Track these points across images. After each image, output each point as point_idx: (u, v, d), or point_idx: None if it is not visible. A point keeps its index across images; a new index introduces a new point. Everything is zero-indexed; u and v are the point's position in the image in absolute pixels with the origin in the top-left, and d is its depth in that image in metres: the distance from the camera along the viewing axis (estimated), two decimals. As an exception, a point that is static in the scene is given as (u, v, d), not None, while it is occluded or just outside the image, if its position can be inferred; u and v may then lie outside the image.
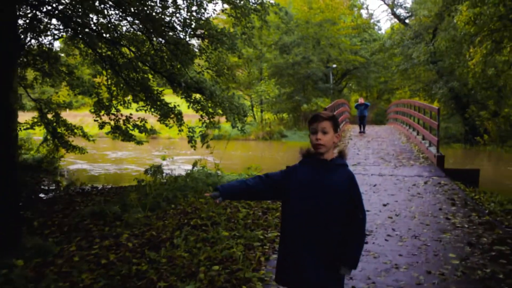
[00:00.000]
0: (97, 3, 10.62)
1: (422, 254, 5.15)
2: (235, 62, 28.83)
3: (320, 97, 38.21)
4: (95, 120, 12.84)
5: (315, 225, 2.57)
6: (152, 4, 11.17)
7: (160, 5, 11.18)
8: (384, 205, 7.62)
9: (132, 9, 10.77)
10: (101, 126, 12.90)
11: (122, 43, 11.99)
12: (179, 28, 11.37)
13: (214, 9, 30.46)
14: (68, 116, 28.89)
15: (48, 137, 14.05)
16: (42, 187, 13.08)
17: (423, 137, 14.67)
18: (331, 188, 2.61)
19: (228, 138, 25.82)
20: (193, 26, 11.29)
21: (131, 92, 12.59)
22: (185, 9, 11.34)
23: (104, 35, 11.73)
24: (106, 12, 11.30)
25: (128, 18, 11.69)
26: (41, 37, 11.91)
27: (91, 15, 11.30)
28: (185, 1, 11.36)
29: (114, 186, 12.75)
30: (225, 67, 12.53)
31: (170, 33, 11.34)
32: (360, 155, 13.61)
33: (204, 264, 4.88)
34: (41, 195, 12.04)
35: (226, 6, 11.46)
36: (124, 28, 12.26)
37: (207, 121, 12.23)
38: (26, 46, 12.24)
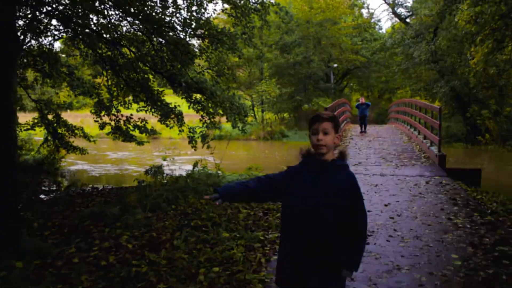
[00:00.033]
0: (97, 4, 10.58)
1: (424, 255, 5.11)
2: (236, 62, 28.78)
3: (321, 97, 38.14)
4: (95, 121, 12.80)
5: (316, 226, 2.53)
6: (152, 4, 11.15)
7: (160, 5, 11.15)
8: (386, 205, 7.58)
9: (132, 9, 10.74)
10: (102, 126, 12.87)
11: (122, 43, 11.96)
12: (179, 28, 11.34)
13: (215, 9, 30.43)
14: (69, 116, 28.88)
15: (49, 137, 14.01)
16: (43, 188, 13.05)
17: (424, 137, 14.61)
18: (331, 190, 2.57)
19: (229, 138, 25.79)
20: (193, 26, 11.24)
21: (131, 92, 12.55)
22: (185, 9, 11.31)
23: (104, 35, 11.70)
24: (106, 13, 11.26)
25: (128, 19, 11.66)
26: (41, 37, 11.87)
27: (91, 16, 11.28)
28: (185, 1, 11.33)
29: (115, 187, 12.72)
30: (225, 67, 12.50)
31: (170, 33, 11.31)
32: (361, 155, 13.57)
33: (204, 265, 4.85)
34: (42, 196, 12.02)
35: (226, 6, 11.43)
36: (124, 29, 12.24)
37: (208, 121, 12.19)
38: (26, 47, 12.22)
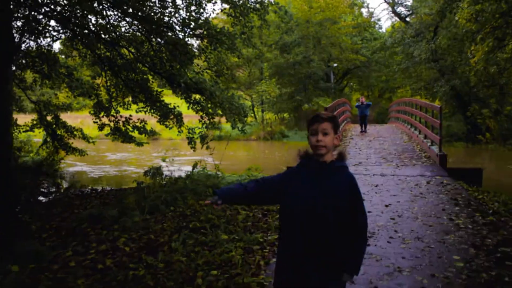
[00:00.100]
0: (95, 4, 10.53)
1: (425, 256, 5.04)
2: (236, 62, 28.70)
3: (321, 96, 38.08)
4: (94, 122, 12.77)
5: (316, 226, 2.48)
6: (151, 4, 11.09)
7: (159, 5, 11.10)
8: (386, 206, 7.50)
9: (130, 9, 10.68)
10: (101, 127, 12.83)
11: (121, 44, 11.91)
12: (178, 28, 11.29)
13: (214, 9, 30.31)
14: (69, 118, 28.84)
15: (48, 139, 13.98)
16: (42, 189, 12.98)
17: (425, 136, 14.55)
18: (330, 191, 2.52)
19: (229, 139, 25.72)
20: (192, 26, 11.20)
21: (130, 93, 12.51)
22: (184, 9, 11.26)
23: (103, 36, 11.65)
24: (104, 13, 11.21)
25: (127, 19, 11.61)
26: (39, 38, 11.83)
27: (89, 16, 11.23)
28: (184, 1, 11.27)
29: (114, 189, 12.65)
30: (224, 67, 12.44)
31: (169, 34, 11.25)
32: (361, 154, 13.50)
33: (202, 268, 4.78)
34: (40, 198, 11.94)
35: (225, 5, 11.37)
36: (123, 29, 12.19)
37: (207, 121, 12.14)
38: (24, 48, 12.18)
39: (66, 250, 5.93)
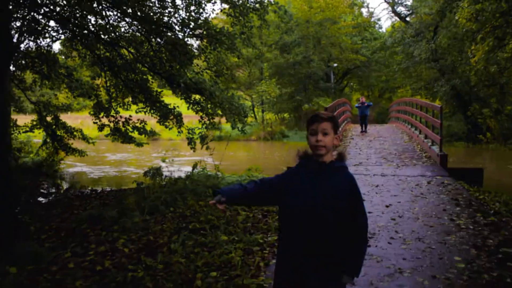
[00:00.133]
0: (95, 5, 10.50)
1: (426, 257, 5.00)
2: (236, 62, 28.70)
3: (321, 96, 38.06)
4: (94, 122, 12.75)
5: (315, 227, 2.46)
6: (150, 4, 11.07)
7: (159, 5, 11.07)
8: (387, 206, 7.46)
9: (130, 9, 10.66)
10: (101, 128, 12.81)
11: (120, 44, 11.89)
12: (177, 28, 11.26)
13: (213, 9, 30.27)
14: (69, 118, 28.85)
15: (48, 140, 13.97)
16: (42, 190, 12.96)
17: (425, 136, 14.51)
18: (330, 191, 2.50)
19: (229, 139, 25.69)
20: (191, 26, 11.18)
21: (130, 93, 12.49)
22: (184, 9, 11.23)
23: (103, 36, 11.62)
24: (104, 14, 11.19)
25: (127, 19, 11.59)
26: (39, 39, 11.81)
27: (89, 17, 11.21)
28: (183, 1, 11.25)
29: (114, 189, 12.62)
30: (224, 67, 12.41)
31: (169, 34, 11.23)
32: (362, 155, 13.46)
33: (201, 270, 4.75)
34: (40, 198, 11.92)
35: (225, 6, 11.34)
36: (123, 29, 12.17)
37: (207, 122, 12.11)
38: (24, 48, 12.17)
39: (65, 251, 5.90)
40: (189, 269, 4.79)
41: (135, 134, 12.90)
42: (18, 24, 11.26)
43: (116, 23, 11.90)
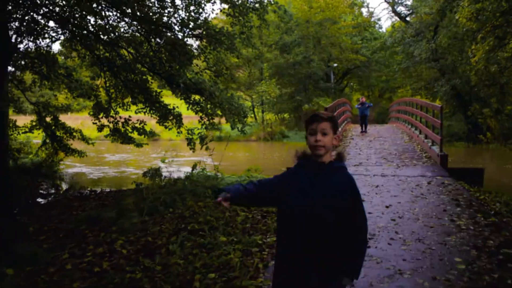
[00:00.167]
0: (94, 5, 10.47)
1: (426, 258, 4.96)
2: (235, 62, 28.65)
3: (322, 96, 38.02)
4: (93, 123, 12.74)
5: (315, 227, 2.44)
6: (150, 4, 11.05)
7: (158, 6, 11.05)
8: (387, 206, 7.42)
9: (129, 9, 10.63)
10: (100, 129, 12.79)
11: (120, 44, 11.87)
12: (177, 28, 11.24)
13: (213, 9, 30.28)
14: (70, 119, 28.82)
15: (47, 140, 13.94)
16: (41, 191, 12.94)
17: (425, 136, 14.46)
18: (329, 191, 2.47)
19: (229, 139, 25.67)
20: (191, 26, 11.15)
21: (130, 94, 12.47)
22: (183, 9, 11.21)
23: (102, 36, 11.60)
24: (103, 14, 11.16)
25: (126, 19, 11.57)
26: (38, 39, 11.79)
27: (88, 17, 11.18)
28: (183, 2, 11.23)
29: (113, 190, 12.59)
30: (223, 67, 12.38)
31: (168, 34, 11.21)
32: (362, 155, 13.42)
33: (200, 271, 4.71)
34: (39, 199, 11.90)
35: (224, 6, 11.32)
36: (122, 30, 12.14)
37: (207, 122, 12.08)
38: (23, 49, 12.14)
39: (63, 253, 5.86)
40: (187, 270, 4.76)
41: (135, 135, 12.88)
42: (17, 24, 11.24)
43: (115, 23, 11.89)
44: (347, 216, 2.49)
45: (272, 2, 11.64)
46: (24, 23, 11.17)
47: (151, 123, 14.42)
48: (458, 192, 8.40)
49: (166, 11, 11.12)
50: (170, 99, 14.65)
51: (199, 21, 11.10)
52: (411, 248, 5.31)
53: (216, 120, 12.51)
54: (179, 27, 11.24)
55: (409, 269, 4.64)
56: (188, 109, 12.10)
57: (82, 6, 9.96)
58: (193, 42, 22.40)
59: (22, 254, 5.85)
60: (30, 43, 11.95)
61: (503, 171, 17.77)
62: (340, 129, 18.73)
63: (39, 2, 10.86)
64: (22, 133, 13.57)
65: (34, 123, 13.19)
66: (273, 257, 5.03)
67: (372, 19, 48.36)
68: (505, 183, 13.96)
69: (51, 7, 11.12)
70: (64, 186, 14.23)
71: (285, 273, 2.51)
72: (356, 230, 2.54)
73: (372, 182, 9.46)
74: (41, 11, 11.18)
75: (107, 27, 11.40)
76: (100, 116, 12.63)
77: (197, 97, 11.97)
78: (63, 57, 15.19)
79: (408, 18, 35.78)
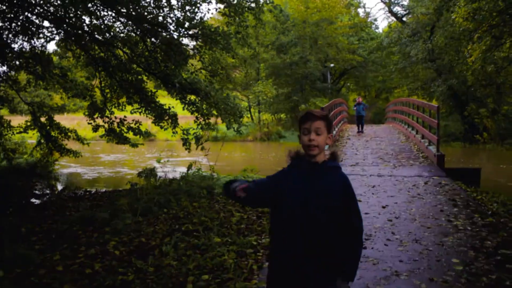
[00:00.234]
0: (89, 5, 10.37)
1: (423, 259, 4.89)
2: (232, 62, 28.61)
3: (318, 97, 38.00)
4: (89, 123, 12.65)
5: (309, 230, 2.37)
6: (145, 4, 10.96)
7: (154, 5, 10.97)
8: (384, 207, 7.36)
9: (124, 9, 10.55)
10: (95, 129, 12.70)
11: (115, 44, 11.78)
12: (172, 28, 11.16)
13: (208, 9, 30.13)
14: (66, 119, 28.69)
15: (42, 140, 13.84)
16: (35, 191, 12.83)
17: (422, 136, 14.42)
18: (323, 192, 2.41)
19: (225, 140, 25.59)
20: (186, 25, 11.08)
21: (125, 94, 12.38)
22: (179, 9, 11.13)
23: (97, 36, 11.50)
24: (99, 14, 11.07)
25: (121, 19, 11.47)
26: (33, 39, 11.68)
27: (83, 17, 11.09)
28: (179, 1, 11.15)
29: (107, 190, 12.49)
30: (219, 67, 12.31)
31: (164, 34, 11.13)
32: (358, 155, 13.36)
33: (193, 273, 4.62)
34: (33, 200, 11.78)
35: (220, 6, 11.24)
36: (117, 29, 12.05)
37: (203, 122, 12.01)
38: (18, 49, 12.02)
39: (54, 254, 5.76)
40: (180, 272, 4.68)
41: (130, 135, 12.80)
42: (12, 24, 11.13)
43: (110, 23, 11.79)
44: (341, 217, 2.43)
45: (268, 2, 11.56)
46: (18, 23, 11.07)
47: (147, 123, 14.35)
48: (455, 192, 8.35)
49: (161, 10, 11.03)
50: (165, 99, 14.56)
51: (195, 20, 11.02)
52: (408, 249, 5.25)
53: (212, 120, 12.43)
54: (175, 27, 11.17)
55: (406, 271, 4.57)
56: (183, 109, 12.02)
57: (77, 5, 9.86)
58: (189, 42, 22.35)
59: (13, 255, 5.75)
60: (25, 43, 11.85)
61: (499, 171, 17.74)
62: (336, 129, 18.70)
63: (33, 1, 10.76)
64: (17, 133, 13.48)
65: (28, 123, 13.08)
66: (267, 258, 4.96)
67: (369, 20, 48.42)
68: (501, 183, 13.92)
69: (45, 7, 11.02)
70: (59, 187, 14.12)
71: (279, 275, 2.45)
72: (351, 231, 2.48)
73: (368, 182, 9.41)
74: (36, 10, 11.07)
75: (102, 27, 11.31)
76: (95, 116, 12.54)
77: (192, 97, 11.89)
78: (58, 57, 15.09)
79: (404, 18, 35.79)
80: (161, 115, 12.12)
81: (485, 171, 11.88)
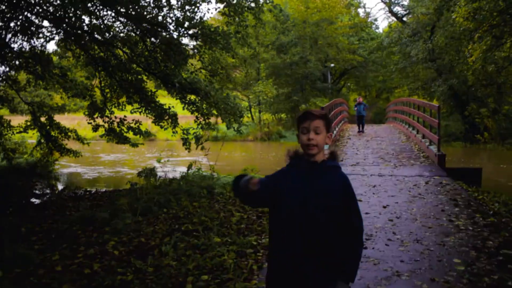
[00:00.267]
0: (89, 4, 10.35)
1: (425, 259, 4.85)
2: (232, 62, 28.58)
3: (319, 97, 37.97)
4: (88, 123, 12.63)
5: (308, 229, 2.35)
6: (145, 4, 10.93)
7: (154, 5, 10.94)
8: (384, 207, 7.33)
9: (124, 9, 10.52)
10: (95, 128, 12.68)
11: (115, 44, 11.75)
12: (171, 27, 11.14)
13: (208, 8, 30.08)
14: (66, 119, 28.67)
15: (42, 140, 13.82)
16: (35, 191, 12.81)
17: (423, 136, 14.38)
18: (322, 191, 2.38)
19: (226, 139, 25.56)
20: (186, 25, 11.05)
21: (125, 93, 12.37)
22: (179, 9, 11.11)
23: (97, 36, 11.48)
24: (98, 14, 11.05)
25: (121, 19, 11.45)
26: (32, 39, 11.66)
27: (83, 17, 11.07)
28: (178, 1, 11.12)
29: (108, 190, 12.47)
30: (219, 67, 12.28)
31: (163, 33, 11.10)
32: (359, 155, 13.33)
33: (192, 273, 4.59)
34: (33, 199, 11.76)
35: (220, 5, 11.21)
36: (117, 29, 12.02)
37: (203, 122, 11.99)
38: (17, 49, 12.00)
39: (53, 254, 5.73)
40: (179, 272, 4.65)
41: (130, 135, 12.78)
42: (11, 24, 11.11)
43: (110, 23, 11.77)
44: (341, 216, 2.40)
45: (268, 1, 11.53)
46: (18, 23, 11.04)
47: (147, 123, 14.32)
48: (456, 192, 8.32)
49: (161, 10, 11.01)
50: (165, 99, 14.54)
51: (194, 20, 11.00)
52: (409, 249, 5.21)
53: (212, 120, 12.41)
54: (174, 26, 11.14)
55: (407, 271, 4.54)
56: (183, 109, 12.00)
57: (76, 5, 9.83)
58: (188, 42, 22.33)
59: (13, 255, 5.73)
60: (24, 43, 11.83)
61: (500, 171, 17.71)
62: (337, 128, 18.67)
63: (33, 1, 10.73)
64: (17, 133, 13.46)
65: (28, 123, 13.06)
66: (267, 258, 4.93)
67: (369, 20, 48.39)
68: (502, 183, 13.89)
69: (45, 7, 11.00)
70: (59, 186, 14.10)
71: (278, 275, 2.43)
72: (351, 231, 2.45)
73: (369, 182, 9.38)
74: (35, 10, 11.05)
75: (102, 26, 11.28)
76: (95, 116, 12.52)
77: (192, 96, 11.87)
78: (57, 57, 15.07)
79: (404, 18, 35.77)
80: (161, 115, 12.10)
81: (485, 171, 11.86)
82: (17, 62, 12.43)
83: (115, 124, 12.55)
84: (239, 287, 4.18)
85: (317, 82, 39.09)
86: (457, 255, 4.95)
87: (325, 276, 2.37)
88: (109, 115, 12.60)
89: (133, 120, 12.49)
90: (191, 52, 11.63)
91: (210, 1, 10.88)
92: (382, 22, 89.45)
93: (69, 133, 13.65)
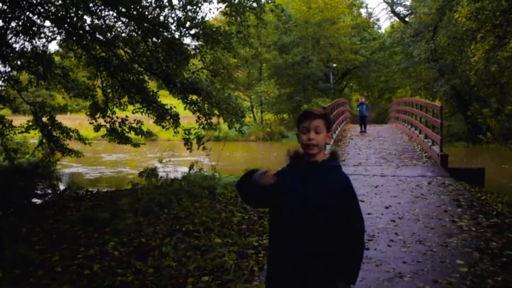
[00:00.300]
0: (91, 4, 10.33)
1: (427, 261, 4.81)
2: (234, 62, 28.54)
3: (321, 97, 37.93)
4: (90, 123, 12.62)
5: (308, 229, 2.33)
6: (147, 4, 10.92)
7: (155, 5, 10.93)
8: (387, 207, 7.28)
9: (125, 9, 10.51)
10: (97, 128, 12.67)
11: (116, 44, 11.74)
12: (173, 27, 11.12)
13: (210, 8, 30.17)
14: (68, 119, 28.66)
15: (44, 140, 13.81)
16: (37, 191, 12.80)
17: (425, 136, 14.33)
18: (322, 191, 2.36)
19: (227, 139, 25.54)
20: (187, 25, 11.03)
21: (126, 94, 12.36)
22: (180, 9, 11.09)
23: (99, 36, 11.47)
24: (100, 14, 11.03)
25: (123, 19, 11.44)
26: (34, 39, 11.65)
27: (85, 17, 11.06)
28: (180, 1, 11.11)
29: (109, 190, 12.45)
30: (220, 67, 12.26)
31: (165, 33, 11.08)
32: (361, 155, 13.28)
33: (193, 274, 4.56)
34: (35, 200, 11.75)
35: (221, 5, 11.19)
36: (119, 29, 12.01)
37: (204, 122, 11.97)
38: (19, 49, 12.00)
39: (53, 255, 5.71)
40: (180, 273, 4.61)
41: (132, 135, 12.76)
42: (13, 24, 11.10)
43: (112, 23, 11.75)
44: (341, 216, 2.38)
45: (269, 1, 11.50)
46: (20, 23, 11.04)
47: (149, 123, 14.30)
48: (459, 193, 8.27)
49: (162, 10, 10.99)
50: (167, 99, 14.52)
51: (196, 20, 10.98)
52: (412, 250, 5.17)
53: (214, 120, 12.39)
54: (176, 26, 11.13)
55: (410, 272, 4.50)
56: (185, 109, 11.98)
57: (78, 5, 9.81)
58: (190, 42, 22.29)
59: (13, 256, 5.71)
60: (26, 43, 11.82)
61: (503, 171, 17.64)
62: (339, 128, 18.63)
63: (34, 1, 10.72)
64: (19, 133, 13.46)
65: (30, 123, 13.06)
66: (267, 258, 4.89)
67: (371, 20, 48.32)
68: (505, 183, 13.83)
69: (46, 7, 10.99)
70: (61, 186, 14.09)
71: (278, 275, 2.41)
72: (352, 231, 2.43)
73: (371, 182, 9.33)
74: (37, 10, 11.04)
75: (103, 27, 11.27)
76: (97, 116, 12.51)
77: (194, 97, 11.85)
78: (59, 57, 15.06)
79: (407, 19, 35.68)
80: (163, 115, 12.09)
81: (488, 171, 11.79)
82: (18, 62, 12.42)
83: (117, 124, 12.54)
84: (240, 289, 4.15)
85: (319, 82, 39.06)
86: (460, 256, 4.91)
87: (325, 276, 2.34)
88: (110, 115, 12.59)
89: (134, 120, 12.48)
90: (192, 52, 11.61)
91: (211, 1, 10.89)
92: (384, 22, 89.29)
93: (71, 133, 13.64)
